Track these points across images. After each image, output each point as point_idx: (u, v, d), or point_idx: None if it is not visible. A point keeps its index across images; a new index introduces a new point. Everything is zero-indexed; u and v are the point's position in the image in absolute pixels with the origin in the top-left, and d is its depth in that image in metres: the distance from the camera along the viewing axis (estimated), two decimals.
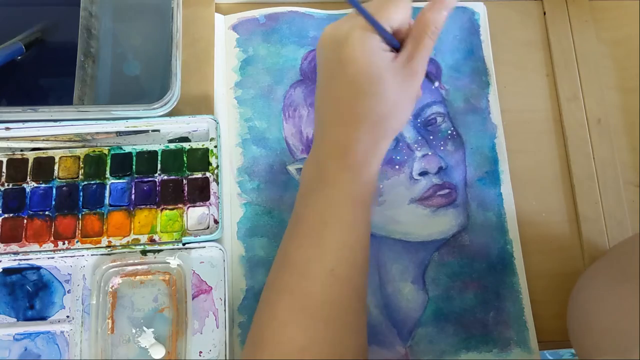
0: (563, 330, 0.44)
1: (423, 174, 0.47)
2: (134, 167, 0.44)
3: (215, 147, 0.45)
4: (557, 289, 0.46)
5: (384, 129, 0.35)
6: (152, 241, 0.42)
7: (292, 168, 0.47)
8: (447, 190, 0.47)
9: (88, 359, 0.40)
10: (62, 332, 0.41)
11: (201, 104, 0.47)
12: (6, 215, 0.43)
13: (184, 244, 0.43)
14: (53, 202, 0.43)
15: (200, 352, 0.41)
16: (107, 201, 0.43)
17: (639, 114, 0.51)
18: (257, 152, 0.47)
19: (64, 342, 0.41)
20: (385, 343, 0.43)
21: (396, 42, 0.35)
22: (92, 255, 0.42)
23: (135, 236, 0.43)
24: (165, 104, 0.44)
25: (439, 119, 0.48)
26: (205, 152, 0.45)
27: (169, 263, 0.42)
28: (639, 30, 0.53)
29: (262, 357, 0.34)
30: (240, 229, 0.45)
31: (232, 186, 0.46)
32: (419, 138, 0.48)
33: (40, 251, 0.42)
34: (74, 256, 0.42)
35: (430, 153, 0.47)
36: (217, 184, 0.44)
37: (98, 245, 0.42)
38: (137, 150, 0.45)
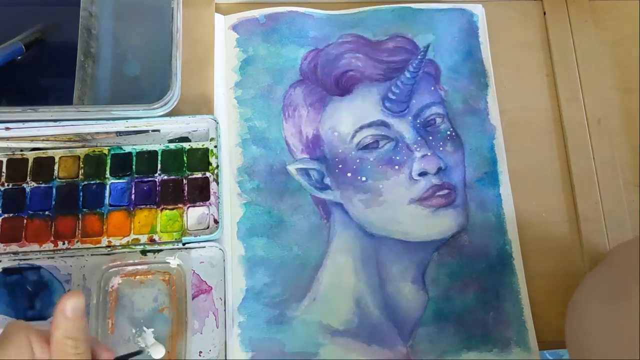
0: (562, 330, 0.44)
1: (422, 174, 0.47)
2: (134, 167, 0.44)
3: (215, 147, 0.45)
4: (556, 289, 0.46)
5: None
6: (152, 241, 0.43)
7: (292, 168, 0.47)
8: (446, 191, 0.47)
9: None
10: None
11: (201, 104, 0.47)
12: (6, 215, 0.43)
13: (184, 244, 0.43)
14: (53, 202, 0.43)
15: (200, 352, 0.41)
16: (107, 201, 0.43)
17: (639, 114, 0.51)
18: (257, 152, 0.47)
19: None
20: (386, 343, 0.43)
21: None
22: (92, 255, 0.42)
23: (135, 236, 0.43)
24: (165, 104, 0.44)
25: (438, 120, 0.48)
26: (205, 152, 0.45)
27: (169, 263, 0.42)
28: (639, 30, 0.53)
29: None
30: (240, 229, 0.45)
31: (232, 186, 0.46)
32: (419, 139, 0.48)
33: (40, 251, 0.42)
34: (74, 256, 0.42)
35: (429, 154, 0.47)
36: (217, 184, 0.44)
37: (98, 245, 0.42)
38: (137, 150, 0.45)
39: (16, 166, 0.44)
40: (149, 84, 0.50)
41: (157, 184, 0.44)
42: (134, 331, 0.41)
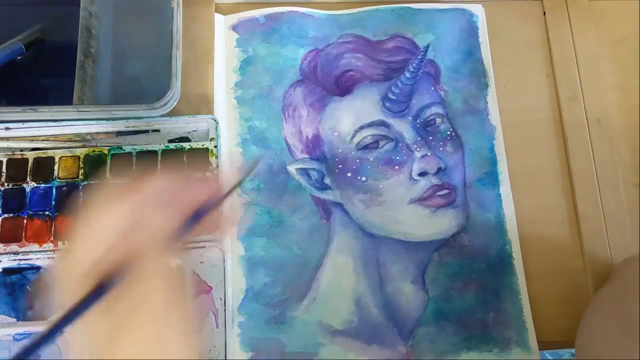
0: (563, 330, 0.44)
1: (422, 174, 0.47)
2: (134, 167, 0.44)
3: (215, 147, 0.45)
4: (556, 289, 0.46)
5: None
6: None
7: (292, 168, 0.47)
8: (446, 191, 0.47)
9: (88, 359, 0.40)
10: (62, 332, 0.41)
11: (201, 104, 0.47)
12: (6, 215, 0.43)
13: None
14: (53, 202, 0.43)
15: None
16: None
17: (639, 114, 0.51)
18: (257, 152, 0.47)
19: (64, 342, 0.41)
20: (386, 343, 0.43)
21: None
22: None
23: None
24: (165, 104, 0.44)
25: (438, 120, 0.48)
26: (205, 152, 0.45)
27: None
28: (639, 30, 0.53)
29: None
30: (240, 229, 0.45)
31: None
32: (418, 139, 0.48)
33: (40, 251, 0.42)
34: None
35: (429, 154, 0.47)
36: None
37: None
38: (137, 150, 0.45)
39: (16, 166, 0.44)
40: (149, 84, 0.50)
41: None
42: None
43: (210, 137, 0.45)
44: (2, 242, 0.42)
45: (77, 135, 0.45)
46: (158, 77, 0.48)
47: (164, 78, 0.45)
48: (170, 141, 0.46)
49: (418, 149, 0.47)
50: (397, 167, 0.47)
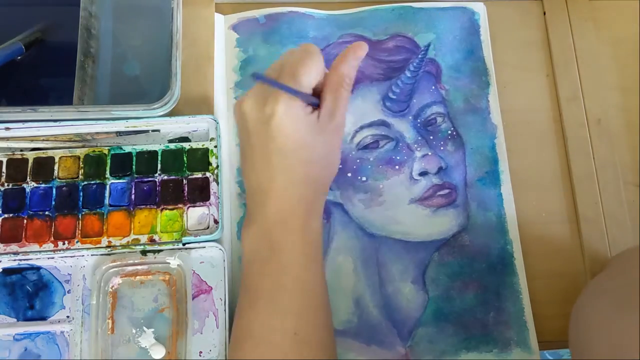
0: (563, 330, 0.44)
1: (423, 174, 0.47)
2: (134, 167, 0.44)
3: (215, 147, 0.45)
4: (557, 289, 0.46)
5: (320, 185, 0.37)
6: (152, 241, 0.42)
7: None
8: (447, 191, 0.47)
9: (88, 359, 0.40)
10: (62, 332, 0.41)
11: (201, 104, 0.47)
12: (6, 215, 0.43)
13: (184, 244, 0.43)
14: (53, 202, 0.43)
15: (200, 352, 0.41)
16: (107, 201, 0.43)
17: (639, 114, 0.51)
18: None
19: (64, 342, 0.41)
20: (385, 343, 0.43)
21: (316, 101, 0.37)
22: (92, 255, 0.42)
23: (135, 236, 0.42)
24: (165, 104, 0.44)
25: (439, 119, 0.48)
26: (205, 152, 0.45)
27: (169, 263, 0.42)
28: (639, 30, 0.53)
29: None
30: (240, 229, 0.45)
31: (232, 186, 0.46)
32: (419, 138, 0.48)
33: (40, 251, 0.42)
34: (74, 256, 0.42)
35: (430, 153, 0.47)
36: (217, 184, 0.44)
37: (98, 246, 0.42)
38: (137, 150, 0.45)
39: (16, 166, 0.44)
40: (149, 84, 0.50)
41: (157, 184, 0.44)
42: (134, 331, 0.41)
43: (210, 137, 0.45)
44: (2, 242, 0.42)
45: (77, 135, 0.45)
46: (158, 77, 0.49)
47: (164, 78, 0.45)
48: (170, 141, 0.46)
49: (419, 149, 0.47)
50: (397, 167, 0.47)
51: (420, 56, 0.49)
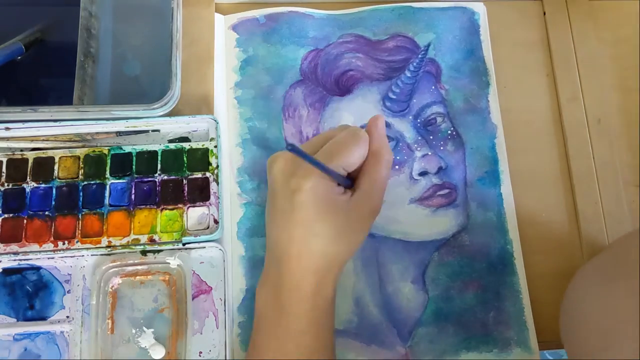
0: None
1: (423, 174, 0.47)
2: (134, 167, 0.44)
3: (215, 147, 0.45)
4: (557, 289, 0.46)
5: (337, 261, 0.37)
6: (152, 241, 0.42)
7: None
8: (447, 190, 0.47)
9: (88, 359, 0.40)
10: (62, 332, 0.41)
11: (201, 104, 0.47)
12: (6, 216, 0.43)
13: (184, 244, 0.43)
14: (53, 202, 0.43)
15: (200, 352, 0.41)
16: (107, 201, 0.43)
17: (639, 114, 0.51)
18: (257, 152, 0.47)
19: (64, 342, 0.41)
20: (385, 343, 0.43)
21: (349, 182, 0.36)
22: (92, 255, 0.42)
23: (135, 236, 0.42)
24: (165, 104, 0.44)
25: (439, 119, 0.48)
26: (205, 152, 0.45)
27: (169, 263, 0.42)
28: (639, 30, 0.53)
29: None
30: (240, 229, 0.45)
31: (232, 186, 0.46)
32: (419, 138, 0.48)
33: (40, 251, 0.42)
34: (74, 256, 0.42)
35: (430, 153, 0.47)
36: (217, 184, 0.44)
37: (98, 246, 0.42)
38: (137, 150, 0.45)
39: (16, 166, 0.44)
40: (149, 84, 0.50)
41: (157, 184, 0.44)
42: (134, 331, 0.41)
43: (210, 137, 0.45)
44: (2, 242, 0.42)
45: (77, 135, 0.45)
46: (158, 77, 0.49)
47: (164, 78, 0.45)
48: (170, 141, 0.46)
49: (418, 149, 0.47)
50: (397, 167, 0.47)
51: (420, 56, 0.49)
